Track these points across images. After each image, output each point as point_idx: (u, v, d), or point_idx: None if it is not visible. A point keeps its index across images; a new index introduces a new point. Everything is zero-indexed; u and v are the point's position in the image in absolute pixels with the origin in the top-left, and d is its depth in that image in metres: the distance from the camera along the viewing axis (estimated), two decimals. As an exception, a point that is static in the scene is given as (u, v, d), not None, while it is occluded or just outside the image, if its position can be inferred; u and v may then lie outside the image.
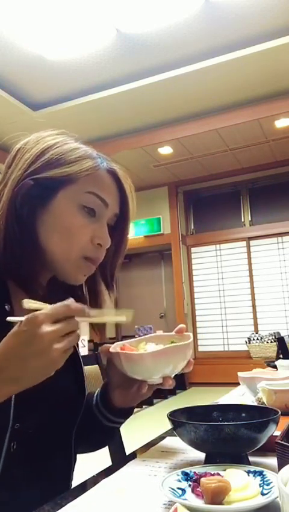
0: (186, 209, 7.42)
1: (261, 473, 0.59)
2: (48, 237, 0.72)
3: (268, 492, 0.54)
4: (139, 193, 6.86)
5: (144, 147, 5.71)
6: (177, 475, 0.61)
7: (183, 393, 6.09)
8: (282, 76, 4.59)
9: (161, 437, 0.90)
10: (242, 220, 7.00)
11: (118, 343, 0.74)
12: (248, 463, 0.67)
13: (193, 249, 7.18)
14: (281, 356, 2.73)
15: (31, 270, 0.72)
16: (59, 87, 4.65)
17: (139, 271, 7.63)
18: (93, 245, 0.74)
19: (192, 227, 7.39)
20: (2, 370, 0.56)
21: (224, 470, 0.61)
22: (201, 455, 0.70)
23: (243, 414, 0.77)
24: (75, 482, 0.72)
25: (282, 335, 3.35)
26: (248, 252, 6.78)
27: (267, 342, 6.11)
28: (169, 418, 0.71)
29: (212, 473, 0.61)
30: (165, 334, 0.78)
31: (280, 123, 5.31)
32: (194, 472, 0.61)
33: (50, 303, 0.59)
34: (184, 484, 0.59)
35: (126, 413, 0.83)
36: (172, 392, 5.85)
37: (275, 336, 5.83)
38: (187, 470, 0.62)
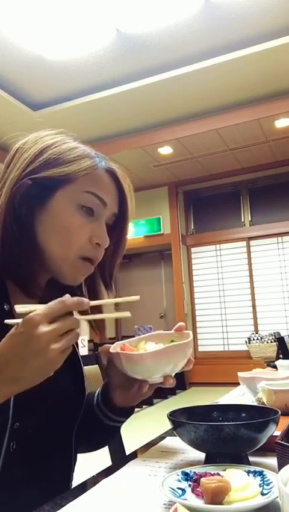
0: (186, 209, 7.42)
1: (261, 473, 0.59)
2: (46, 237, 0.72)
3: (268, 492, 0.54)
4: (139, 193, 6.87)
5: (144, 147, 5.71)
6: (177, 475, 0.61)
7: (183, 393, 6.09)
8: (282, 76, 4.59)
9: (161, 437, 0.90)
10: (242, 220, 7.00)
11: (118, 342, 0.74)
12: (248, 463, 0.67)
13: (193, 249, 7.18)
14: (281, 356, 2.73)
15: (29, 270, 0.72)
16: (59, 87, 4.65)
17: (139, 271, 7.64)
18: (92, 245, 0.73)
19: (192, 227, 7.39)
20: (2, 371, 0.56)
21: (224, 470, 0.61)
22: (202, 455, 0.70)
23: (243, 414, 0.77)
24: (75, 482, 0.72)
25: (282, 335, 3.35)
26: (248, 252, 6.78)
27: (267, 342, 6.11)
28: (169, 418, 0.71)
29: (212, 473, 0.61)
30: (165, 332, 0.78)
31: (280, 123, 5.31)
32: (194, 472, 0.61)
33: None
34: (184, 484, 0.59)
35: (127, 412, 0.83)
36: (172, 392, 5.86)
37: (275, 336, 5.83)
38: (187, 470, 0.62)
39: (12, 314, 0.69)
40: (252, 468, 0.61)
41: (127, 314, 0.66)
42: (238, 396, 1.28)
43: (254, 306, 6.61)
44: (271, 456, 0.71)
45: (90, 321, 0.81)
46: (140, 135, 5.58)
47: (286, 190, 6.68)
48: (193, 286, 7.08)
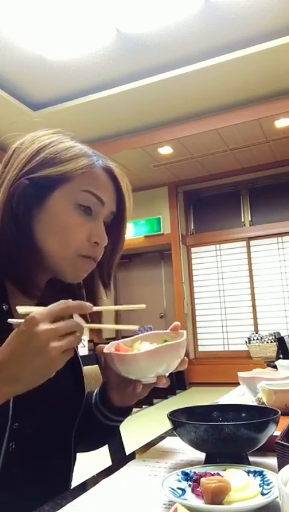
0: (186, 209, 7.42)
1: (261, 473, 0.59)
2: (44, 236, 0.72)
3: (268, 492, 0.54)
4: (139, 193, 6.87)
5: (144, 147, 5.71)
6: (177, 475, 0.61)
7: (183, 393, 6.09)
8: (282, 76, 4.59)
9: (161, 437, 0.90)
10: (242, 220, 7.00)
11: (112, 342, 0.74)
12: (248, 463, 0.67)
13: (193, 249, 7.18)
14: (281, 356, 2.73)
15: (27, 270, 0.72)
16: (59, 87, 4.65)
17: (139, 271, 7.64)
18: (90, 243, 0.73)
19: (192, 227, 7.39)
20: (2, 370, 0.56)
21: (224, 470, 0.61)
22: (202, 455, 0.70)
23: (243, 414, 0.77)
24: (75, 482, 0.72)
25: (282, 335, 3.35)
26: (248, 252, 6.78)
27: (267, 342, 6.11)
28: (169, 418, 0.71)
29: (212, 473, 0.61)
30: (160, 332, 0.77)
31: (280, 123, 5.31)
32: (194, 472, 0.61)
33: (48, 304, 0.59)
34: (184, 484, 0.59)
35: (125, 412, 0.83)
36: (172, 392, 5.86)
37: (275, 336, 5.83)
38: (187, 470, 0.62)
39: (11, 315, 0.69)
40: (252, 468, 0.61)
41: (135, 327, 0.66)
42: (238, 396, 1.28)
43: (254, 306, 6.61)
44: (271, 456, 0.71)
45: (86, 321, 0.81)
46: (140, 135, 5.58)
47: (286, 190, 6.68)
48: (193, 286, 7.08)
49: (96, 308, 0.62)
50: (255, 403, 0.99)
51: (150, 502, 0.58)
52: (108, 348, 0.72)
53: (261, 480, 0.58)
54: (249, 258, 6.75)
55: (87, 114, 5.03)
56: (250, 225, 6.92)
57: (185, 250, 7.12)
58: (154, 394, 5.46)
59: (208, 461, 0.68)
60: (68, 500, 0.60)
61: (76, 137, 0.79)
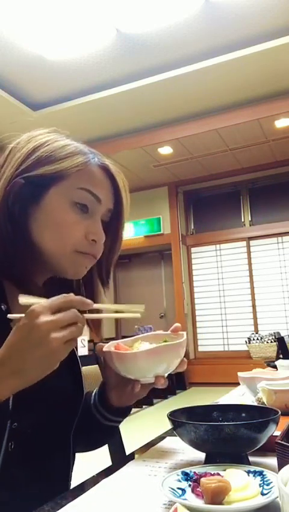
0: (186, 209, 7.42)
1: (261, 473, 0.59)
2: (40, 235, 0.72)
3: (268, 492, 0.54)
4: (139, 193, 6.87)
5: (144, 147, 5.71)
6: (177, 475, 0.61)
7: (183, 393, 6.09)
8: (282, 76, 4.59)
9: (161, 437, 0.90)
10: (242, 220, 7.00)
11: (112, 342, 0.74)
12: (248, 463, 0.67)
13: (193, 249, 7.18)
14: (281, 356, 2.73)
15: (24, 269, 0.72)
16: (59, 87, 4.65)
17: (139, 271, 7.63)
18: (88, 241, 0.73)
19: (192, 227, 7.39)
20: (4, 363, 0.56)
21: (224, 470, 0.61)
22: (202, 455, 0.70)
23: (243, 414, 0.77)
24: (75, 482, 0.72)
25: (282, 335, 3.34)
26: (248, 252, 6.78)
27: (267, 342, 6.11)
28: (169, 418, 0.71)
29: (212, 473, 0.60)
30: (161, 333, 0.77)
31: (280, 123, 5.31)
32: (194, 472, 0.61)
33: None
34: (184, 484, 0.59)
35: (124, 412, 0.83)
36: (172, 392, 5.85)
37: (275, 336, 5.83)
38: (187, 470, 0.62)
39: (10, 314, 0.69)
40: (252, 468, 0.61)
41: (137, 315, 0.66)
42: (238, 396, 1.28)
43: (254, 306, 6.61)
44: (271, 456, 0.71)
45: (87, 320, 0.81)
46: (140, 135, 5.58)
47: (286, 190, 6.68)
48: (193, 286, 7.08)
49: (96, 305, 0.62)
50: (255, 403, 0.99)
51: (150, 502, 0.58)
52: (107, 347, 0.72)
53: (261, 480, 0.58)
54: (249, 258, 6.75)
55: (87, 114, 5.03)
56: (250, 225, 6.92)
57: (185, 250, 7.12)
58: (154, 394, 5.46)
59: (208, 461, 0.68)
60: (68, 500, 0.60)
61: (71, 136, 0.79)
